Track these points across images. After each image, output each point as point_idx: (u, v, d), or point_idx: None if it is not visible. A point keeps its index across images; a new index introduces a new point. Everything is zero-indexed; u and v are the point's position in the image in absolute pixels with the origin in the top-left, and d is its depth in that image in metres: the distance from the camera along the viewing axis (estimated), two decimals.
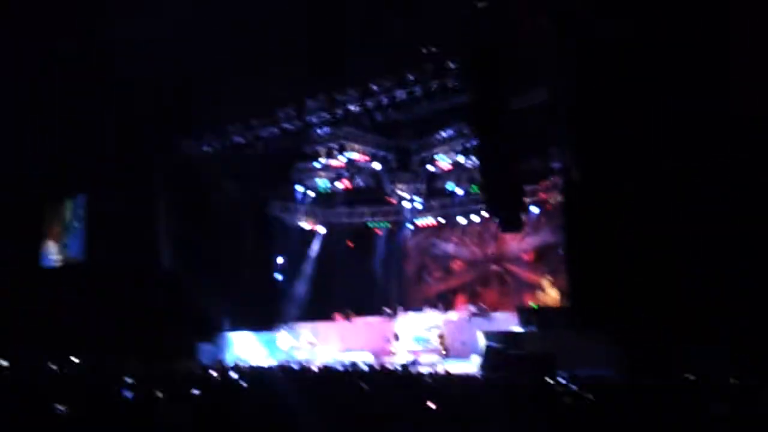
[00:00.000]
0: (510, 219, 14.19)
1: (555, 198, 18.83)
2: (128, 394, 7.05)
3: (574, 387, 7.37)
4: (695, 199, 11.22)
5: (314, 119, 17.17)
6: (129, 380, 8.74)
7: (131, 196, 18.25)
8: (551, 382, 8.31)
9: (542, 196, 19.67)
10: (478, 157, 17.32)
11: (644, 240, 11.79)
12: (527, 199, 18.73)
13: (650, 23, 11.20)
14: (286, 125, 17.43)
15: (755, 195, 10.65)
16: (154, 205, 18.99)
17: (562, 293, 16.51)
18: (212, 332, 19.30)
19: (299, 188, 21.22)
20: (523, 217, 14.60)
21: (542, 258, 20.65)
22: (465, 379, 10.52)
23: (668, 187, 11.51)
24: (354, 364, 12.85)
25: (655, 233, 11.66)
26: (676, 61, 11.08)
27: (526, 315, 15.37)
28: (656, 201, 11.67)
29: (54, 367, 13.10)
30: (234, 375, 10.48)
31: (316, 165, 19.85)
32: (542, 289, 17.16)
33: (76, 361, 13.55)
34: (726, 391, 6.83)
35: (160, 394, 6.46)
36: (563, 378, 8.93)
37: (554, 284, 16.95)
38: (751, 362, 9.06)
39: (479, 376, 12.21)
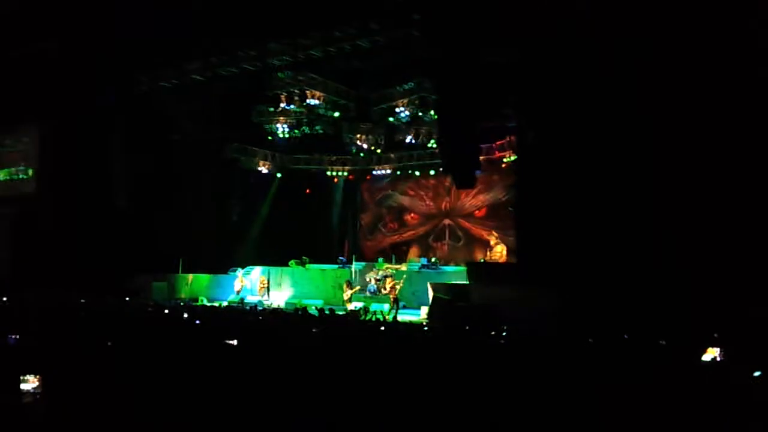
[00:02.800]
0: (465, 175, 14.47)
1: (509, 157, 19.26)
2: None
3: (509, 340, 7.80)
4: (642, 163, 11.62)
5: (275, 62, 16.96)
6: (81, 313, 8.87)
7: (86, 131, 17.83)
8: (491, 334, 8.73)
9: (497, 154, 20.07)
10: (437, 113, 17.47)
11: (591, 201, 12.24)
12: (482, 157, 19.09)
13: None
14: (247, 66, 17.17)
15: (698, 154, 11.07)
16: (109, 140, 18.64)
17: (509, 249, 17.04)
18: (166, 271, 19.35)
19: (258, 131, 21.05)
20: (477, 174, 14.88)
21: (493, 214, 21.23)
22: (410, 328, 10.90)
23: (618, 151, 11.89)
24: (304, 309, 13.13)
25: (602, 195, 12.10)
26: (629, 39, 11.34)
27: (474, 269, 15.86)
28: (606, 164, 12.05)
29: (4, 299, 13.05)
30: (185, 314, 10.66)
31: (276, 109, 19.70)
32: (490, 245, 17.69)
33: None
34: (656, 351, 7.22)
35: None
36: (503, 330, 9.38)
37: (501, 240, 17.48)
38: (686, 323, 9.55)
39: (425, 326, 12.66)
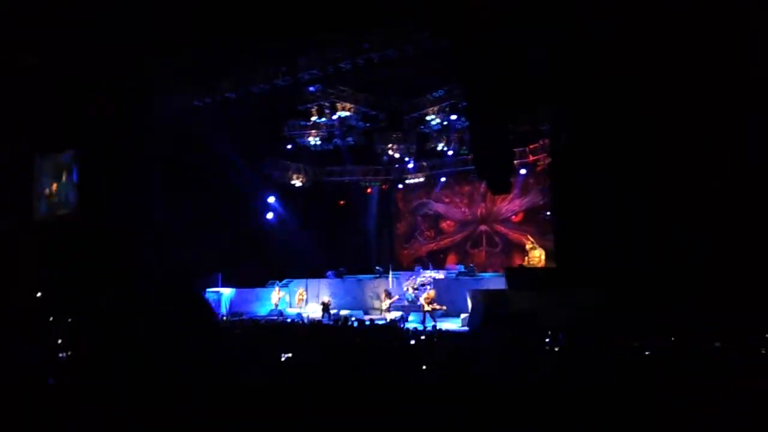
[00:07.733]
0: (499, 181, 14.33)
1: (543, 160, 19.03)
2: None
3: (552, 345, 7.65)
4: (681, 164, 11.38)
5: (305, 76, 17.09)
6: None
7: (121, 150, 18.17)
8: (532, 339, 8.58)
9: (531, 158, 19.85)
10: (468, 119, 17.37)
11: (629, 203, 12.01)
12: (516, 161, 18.93)
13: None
14: (278, 82, 17.36)
15: (739, 164, 10.80)
16: (144, 159, 18.96)
17: (548, 254, 16.81)
18: (204, 287, 19.56)
19: (290, 146, 21.23)
20: (512, 179, 14.73)
21: (530, 219, 20.99)
22: (451, 336, 10.82)
23: (654, 151, 11.66)
24: (345, 320, 13.13)
25: (639, 196, 11.87)
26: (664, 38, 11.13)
27: (512, 274, 15.67)
28: (642, 165, 11.83)
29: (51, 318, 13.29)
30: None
31: (308, 123, 19.84)
32: (526, 250, 17.48)
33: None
34: (700, 356, 6.96)
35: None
36: (545, 336, 9.21)
37: (538, 245, 17.25)
38: (730, 328, 9.24)
39: (465, 333, 12.55)
